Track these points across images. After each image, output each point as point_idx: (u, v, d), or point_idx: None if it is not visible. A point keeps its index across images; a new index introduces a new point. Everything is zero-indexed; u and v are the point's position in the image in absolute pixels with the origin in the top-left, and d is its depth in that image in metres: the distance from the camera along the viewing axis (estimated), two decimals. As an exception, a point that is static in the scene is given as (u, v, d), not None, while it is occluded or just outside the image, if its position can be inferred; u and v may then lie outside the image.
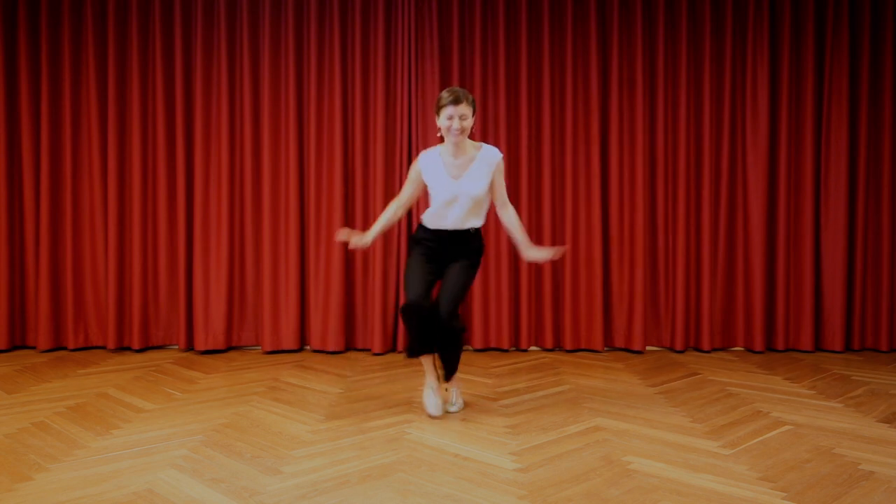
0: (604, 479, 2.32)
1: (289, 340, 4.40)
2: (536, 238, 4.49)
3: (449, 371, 3.07)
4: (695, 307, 4.49)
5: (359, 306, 4.47)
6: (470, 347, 4.49)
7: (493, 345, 4.46)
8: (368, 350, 4.45)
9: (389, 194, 4.41)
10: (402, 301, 4.33)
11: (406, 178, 4.28)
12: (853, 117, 4.48)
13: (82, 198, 4.42)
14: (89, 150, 4.40)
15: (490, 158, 2.86)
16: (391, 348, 4.44)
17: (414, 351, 2.99)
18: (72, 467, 2.40)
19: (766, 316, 4.47)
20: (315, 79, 4.38)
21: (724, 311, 4.53)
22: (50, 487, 2.23)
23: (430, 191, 2.92)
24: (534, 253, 2.92)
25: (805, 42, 4.42)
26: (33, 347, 4.45)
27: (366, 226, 4.42)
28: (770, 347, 4.52)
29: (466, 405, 3.19)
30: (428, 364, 3.04)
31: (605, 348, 4.54)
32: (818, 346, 4.52)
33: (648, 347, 4.55)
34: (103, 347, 4.46)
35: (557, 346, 4.54)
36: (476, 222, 2.96)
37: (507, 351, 4.46)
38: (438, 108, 2.80)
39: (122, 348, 4.45)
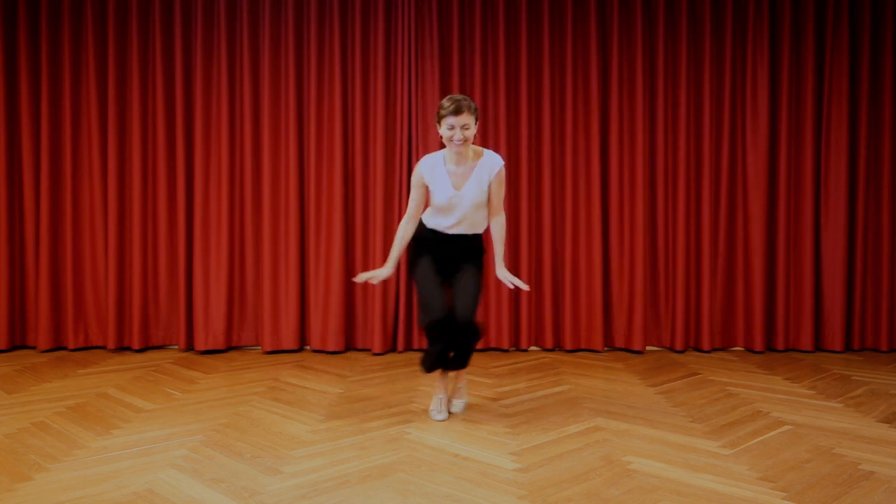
0: (604, 479, 2.32)
1: (289, 340, 4.40)
2: (537, 238, 4.50)
3: (460, 366, 3.01)
4: (695, 307, 4.49)
5: (359, 306, 4.48)
6: (470, 347, 4.49)
7: (493, 345, 4.46)
8: (368, 350, 4.45)
9: (389, 194, 4.42)
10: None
11: (405, 183, 4.34)
12: (853, 117, 4.48)
13: (82, 198, 4.42)
14: (89, 150, 4.40)
15: (491, 166, 2.81)
16: (391, 348, 4.44)
17: (433, 366, 2.95)
18: (72, 467, 2.40)
19: (766, 316, 4.47)
20: (315, 79, 4.38)
21: (724, 311, 4.53)
22: (50, 487, 2.23)
23: (432, 194, 2.88)
24: (505, 274, 2.88)
25: (805, 42, 4.42)
26: (33, 347, 4.45)
27: (366, 226, 4.44)
28: (770, 347, 4.52)
29: (467, 405, 3.19)
30: (442, 377, 3.04)
31: (605, 348, 4.54)
32: (818, 346, 4.52)
33: (648, 347, 4.55)
34: (103, 347, 4.46)
35: (557, 346, 4.54)
36: (479, 229, 2.94)
37: (507, 351, 4.46)
38: (439, 118, 2.73)
39: (122, 348, 4.45)
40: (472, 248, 2.95)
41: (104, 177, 4.41)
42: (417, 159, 4.29)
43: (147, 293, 4.43)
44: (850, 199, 4.48)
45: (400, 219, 4.32)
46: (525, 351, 4.48)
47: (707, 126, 4.43)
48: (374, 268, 4.34)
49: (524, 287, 2.82)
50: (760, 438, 2.74)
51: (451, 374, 3.07)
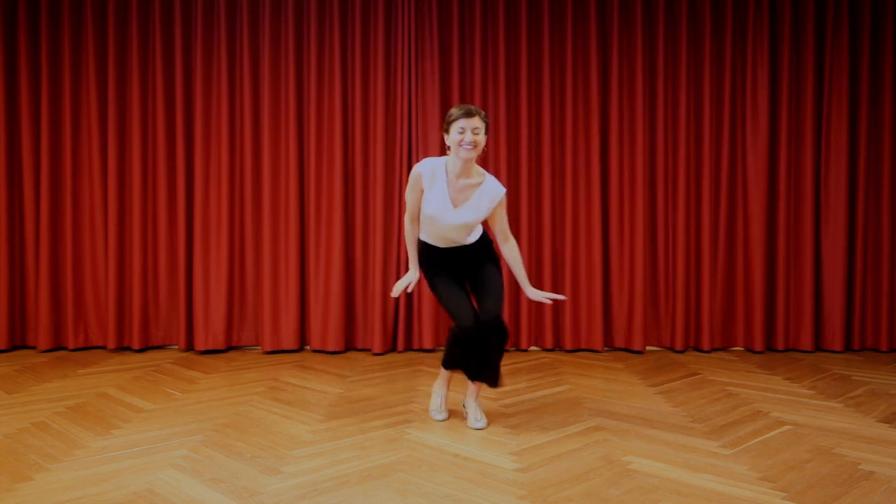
0: (604, 479, 2.32)
1: (289, 340, 4.40)
2: (537, 238, 4.50)
3: (491, 380, 2.85)
4: (695, 307, 4.49)
5: (359, 306, 4.47)
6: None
7: (493, 345, 4.46)
8: (368, 350, 4.45)
9: (389, 194, 4.41)
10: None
11: (405, 183, 4.31)
12: (853, 117, 4.48)
13: (82, 198, 4.42)
14: (89, 150, 4.40)
15: (493, 193, 2.73)
16: (391, 348, 4.44)
17: (454, 365, 2.90)
18: (72, 467, 2.40)
19: (766, 316, 4.47)
20: (315, 79, 4.38)
21: (724, 311, 4.53)
22: (50, 487, 2.23)
23: (424, 202, 2.74)
24: (535, 293, 2.83)
25: (805, 42, 4.42)
26: (33, 347, 4.45)
27: (366, 226, 4.44)
28: (770, 347, 4.52)
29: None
30: (449, 376, 2.99)
31: (605, 348, 4.54)
32: (818, 346, 4.52)
33: (648, 347, 4.55)
34: (103, 347, 4.46)
35: (557, 346, 4.54)
36: (477, 234, 2.88)
37: (507, 351, 4.45)
38: (448, 124, 2.64)
39: (122, 348, 4.46)
40: (482, 249, 2.89)
41: (104, 177, 4.41)
42: (417, 159, 4.31)
43: (147, 293, 4.43)
44: (850, 198, 4.48)
45: (400, 219, 4.35)
46: (525, 351, 4.48)
47: (707, 126, 4.43)
48: (373, 268, 4.36)
49: (561, 297, 2.85)
50: (760, 438, 2.74)
51: (474, 385, 2.93)
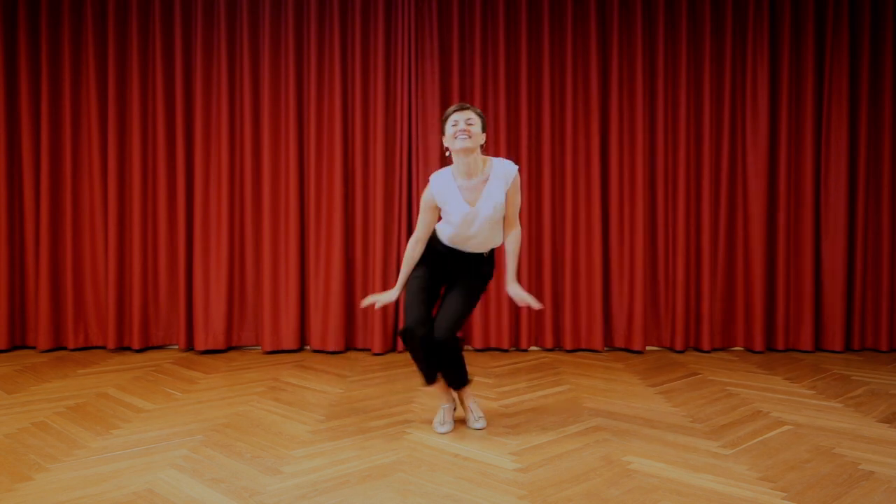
0: (604, 479, 2.31)
1: (289, 340, 4.40)
2: (537, 238, 4.50)
3: (457, 384, 2.85)
4: (695, 307, 4.49)
5: (359, 306, 4.47)
6: (470, 347, 4.49)
7: (493, 345, 4.46)
8: (368, 350, 4.45)
9: (389, 194, 4.41)
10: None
11: (406, 183, 4.34)
12: (853, 117, 4.48)
13: (82, 198, 4.42)
14: (89, 150, 4.40)
15: (505, 174, 2.64)
16: (391, 348, 4.44)
17: (429, 378, 2.78)
18: (72, 467, 2.40)
19: (766, 316, 4.46)
20: (315, 79, 4.38)
21: (724, 311, 4.52)
22: (50, 487, 2.23)
23: (444, 214, 2.71)
24: (516, 290, 2.71)
25: (805, 42, 4.42)
26: (33, 347, 4.45)
27: (366, 226, 4.44)
28: (770, 347, 4.52)
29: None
30: (441, 385, 2.86)
31: (605, 348, 4.54)
32: (818, 346, 4.52)
33: (648, 347, 4.55)
34: (103, 347, 4.46)
35: (557, 346, 4.54)
36: (494, 244, 2.77)
37: (507, 351, 4.46)
38: (444, 122, 2.62)
39: (122, 348, 4.46)
40: (480, 265, 2.79)
41: (104, 177, 4.41)
42: (417, 160, 4.32)
43: (147, 293, 4.43)
44: (850, 198, 4.48)
45: (400, 219, 4.34)
46: (525, 351, 4.48)
47: (707, 126, 4.43)
48: (373, 268, 4.36)
49: (536, 305, 2.67)
50: (760, 438, 2.73)
51: (455, 392, 2.91)
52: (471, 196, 2.65)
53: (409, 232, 4.28)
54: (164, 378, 3.72)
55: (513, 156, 4.44)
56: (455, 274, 2.80)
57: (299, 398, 3.33)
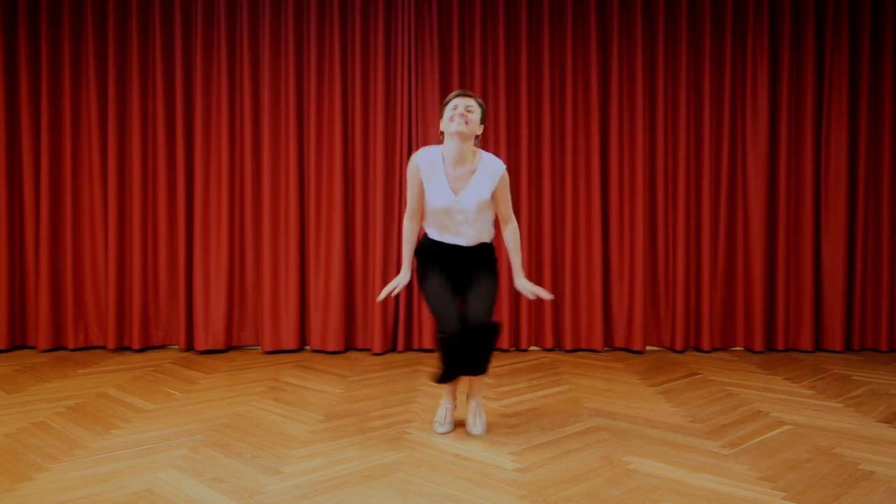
0: (604, 479, 2.32)
1: (289, 340, 4.40)
2: (537, 238, 4.50)
3: (477, 368, 2.72)
4: (695, 307, 4.49)
5: (359, 306, 4.47)
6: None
7: (493, 345, 4.46)
8: (368, 350, 4.45)
9: (389, 194, 4.41)
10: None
11: (405, 183, 4.31)
12: (853, 117, 4.48)
13: (82, 198, 4.42)
14: (89, 150, 4.40)
15: (493, 171, 2.63)
16: (391, 348, 4.44)
17: (447, 378, 2.74)
18: (72, 467, 2.40)
19: (766, 316, 4.46)
20: (315, 79, 4.38)
21: (724, 311, 4.52)
22: (50, 487, 2.23)
23: (427, 196, 2.65)
24: (525, 284, 2.73)
25: (805, 42, 4.42)
26: (33, 347, 4.45)
27: (366, 225, 4.44)
28: (770, 347, 4.52)
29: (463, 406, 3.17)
30: (450, 387, 2.85)
31: (605, 348, 4.54)
32: (818, 346, 4.52)
33: (648, 347, 4.55)
34: (103, 347, 4.46)
35: (557, 346, 4.54)
36: (485, 238, 2.75)
37: (507, 351, 4.46)
38: (444, 107, 2.60)
39: (122, 348, 4.46)
40: (482, 256, 2.76)
41: (104, 177, 4.41)
42: (417, 159, 4.31)
43: (147, 293, 4.43)
44: (850, 198, 4.48)
45: (400, 219, 4.34)
46: (525, 351, 4.48)
47: (707, 126, 4.43)
48: (373, 268, 4.36)
49: (547, 296, 2.67)
50: (760, 438, 2.74)
51: (473, 382, 2.84)
52: (456, 185, 2.63)
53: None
54: (164, 378, 3.72)
55: (513, 156, 4.44)
56: (465, 274, 2.74)
57: (299, 398, 3.33)
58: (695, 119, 4.49)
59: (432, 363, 4.08)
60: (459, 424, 2.90)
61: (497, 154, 4.39)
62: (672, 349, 4.49)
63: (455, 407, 2.91)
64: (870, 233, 4.51)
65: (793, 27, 4.43)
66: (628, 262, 4.48)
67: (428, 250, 2.77)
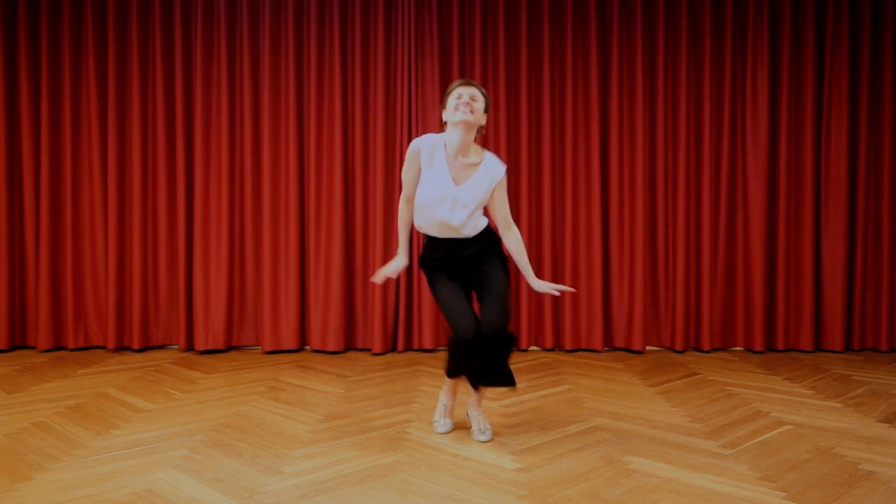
0: (604, 479, 2.31)
1: (289, 340, 4.40)
2: (537, 238, 4.50)
3: (493, 379, 2.65)
4: (695, 307, 4.49)
5: (359, 306, 4.47)
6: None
7: (493, 345, 4.46)
8: (368, 350, 4.45)
9: (389, 194, 4.41)
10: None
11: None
12: (853, 117, 4.48)
13: (82, 198, 4.42)
14: (89, 150, 4.40)
15: (494, 172, 2.61)
16: (391, 348, 4.44)
17: (456, 373, 2.70)
18: (72, 467, 2.40)
19: (766, 316, 4.47)
20: (315, 79, 4.38)
21: (724, 311, 4.52)
22: (50, 487, 2.23)
23: (422, 183, 2.58)
24: (541, 285, 2.67)
25: (805, 42, 4.42)
26: (33, 347, 4.45)
27: (366, 225, 4.44)
28: (770, 347, 4.52)
29: (464, 406, 3.16)
30: (453, 385, 2.81)
31: (605, 348, 4.54)
32: (818, 346, 4.52)
33: (648, 347, 4.55)
34: (103, 347, 4.46)
35: (557, 346, 4.54)
36: (480, 225, 2.65)
37: (510, 354, 4.45)
38: (447, 96, 2.56)
39: (122, 348, 4.46)
40: (484, 244, 2.66)
41: (104, 177, 4.41)
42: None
43: (147, 293, 4.43)
44: (850, 198, 4.48)
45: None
46: (525, 351, 4.48)
47: (707, 126, 4.44)
48: (373, 268, 4.35)
49: (569, 289, 2.69)
50: (760, 438, 2.74)
51: (480, 391, 2.77)
52: (457, 175, 2.58)
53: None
54: (164, 378, 3.72)
55: (513, 156, 4.44)
56: (471, 266, 2.66)
57: (299, 398, 3.33)
58: (695, 119, 4.49)
59: (433, 363, 4.08)
60: (459, 424, 2.90)
61: (497, 154, 4.39)
62: (672, 349, 4.49)
63: (453, 406, 2.88)
64: (870, 233, 4.51)
65: (793, 27, 4.43)
66: (628, 262, 4.48)
67: (431, 254, 2.70)
